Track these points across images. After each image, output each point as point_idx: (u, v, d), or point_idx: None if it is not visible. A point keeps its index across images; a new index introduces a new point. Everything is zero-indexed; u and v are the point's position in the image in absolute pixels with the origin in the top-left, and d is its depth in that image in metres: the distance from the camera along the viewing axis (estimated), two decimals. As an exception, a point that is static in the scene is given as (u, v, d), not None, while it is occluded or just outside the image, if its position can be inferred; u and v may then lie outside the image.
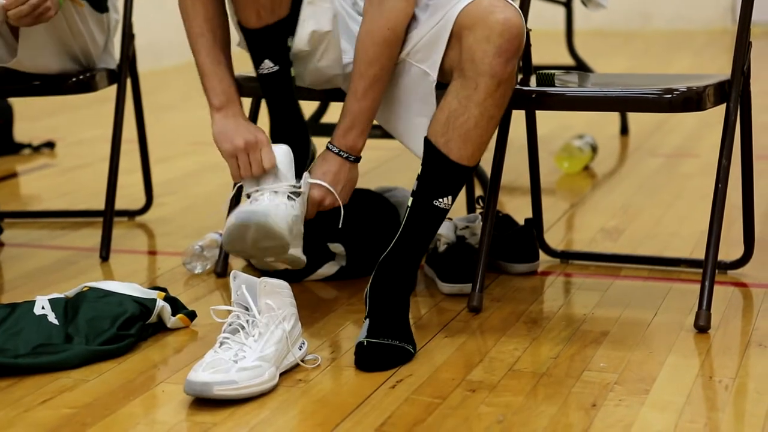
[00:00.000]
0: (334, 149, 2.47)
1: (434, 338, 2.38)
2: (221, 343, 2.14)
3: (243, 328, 2.16)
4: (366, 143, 2.48)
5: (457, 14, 2.34)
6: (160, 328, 2.45)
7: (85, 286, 2.44)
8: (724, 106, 2.51)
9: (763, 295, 2.62)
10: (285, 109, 2.51)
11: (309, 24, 2.46)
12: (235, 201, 2.65)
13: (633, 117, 4.62)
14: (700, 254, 2.60)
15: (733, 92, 2.50)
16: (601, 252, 2.94)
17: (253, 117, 2.84)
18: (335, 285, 2.75)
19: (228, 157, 2.45)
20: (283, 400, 2.09)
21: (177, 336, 2.43)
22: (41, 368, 2.22)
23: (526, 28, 2.51)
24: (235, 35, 2.53)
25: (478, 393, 2.10)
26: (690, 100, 2.43)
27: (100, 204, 3.18)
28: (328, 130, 2.58)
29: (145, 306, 2.40)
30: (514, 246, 2.80)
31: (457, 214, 2.89)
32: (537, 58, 2.82)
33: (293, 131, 2.51)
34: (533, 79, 2.64)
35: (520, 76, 2.67)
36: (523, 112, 2.75)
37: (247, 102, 2.64)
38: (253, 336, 2.14)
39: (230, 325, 2.18)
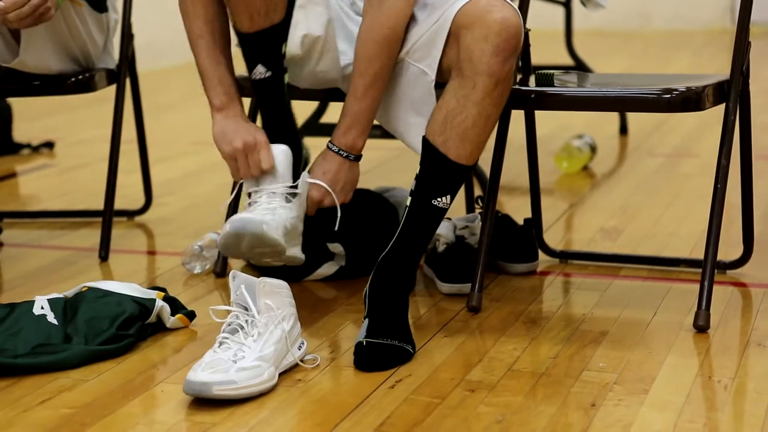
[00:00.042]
0: (334, 148, 2.47)
1: (433, 338, 2.38)
2: (220, 343, 2.14)
3: (242, 328, 2.16)
4: (366, 143, 2.48)
5: (455, 13, 2.34)
6: (160, 328, 2.45)
7: (85, 286, 2.44)
8: (723, 106, 2.51)
9: (762, 295, 2.62)
10: (277, 115, 2.50)
11: (300, 28, 2.46)
12: (236, 199, 2.65)
13: (632, 117, 4.62)
14: (699, 254, 2.60)
15: (732, 92, 2.50)
16: (600, 252, 2.94)
17: (254, 116, 2.84)
18: (334, 285, 2.75)
19: (227, 159, 2.46)
20: (282, 400, 2.09)
21: (176, 336, 2.43)
22: (40, 368, 2.22)
23: (525, 28, 2.51)
24: (235, 35, 2.53)
25: (478, 393, 2.09)
26: (689, 100, 2.43)
27: (99, 204, 3.18)
28: (328, 130, 2.58)
29: (144, 306, 2.40)
30: (513, 246, 2.80)
31: (457, 214, 2.88)
32: (536, 58, 2.82)
33: (285, 137, 2.50)
34: (532, 79, 2.63)
35: (519, 76, 2.67)
36: (522, 112, 2.75)
37: (247, 102, 2.64)
38: (253, 336, 2.14)
39: (229, 325, 2.18)
